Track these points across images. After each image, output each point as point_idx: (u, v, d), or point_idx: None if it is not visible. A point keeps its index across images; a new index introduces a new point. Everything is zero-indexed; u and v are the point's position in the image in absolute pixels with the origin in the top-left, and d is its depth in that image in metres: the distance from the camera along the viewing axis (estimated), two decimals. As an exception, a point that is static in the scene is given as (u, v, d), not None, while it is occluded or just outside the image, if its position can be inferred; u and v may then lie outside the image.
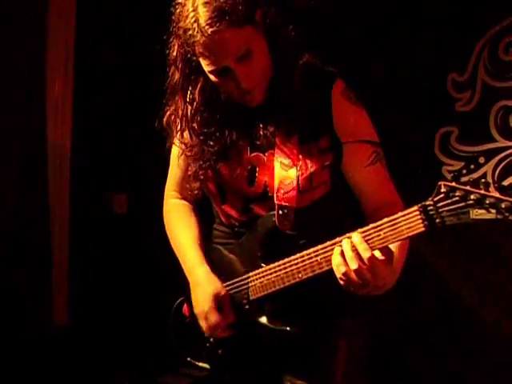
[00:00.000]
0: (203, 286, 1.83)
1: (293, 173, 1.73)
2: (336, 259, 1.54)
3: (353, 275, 1.51)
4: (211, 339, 1.87)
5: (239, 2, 1.58)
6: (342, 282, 1.55)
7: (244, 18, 1.59)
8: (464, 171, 2.81)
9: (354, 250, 1.51)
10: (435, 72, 2.85)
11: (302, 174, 1.73)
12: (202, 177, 1.83)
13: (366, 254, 1.50)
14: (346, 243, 1.53)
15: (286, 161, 1.73)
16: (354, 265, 1.50)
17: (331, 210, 1.79)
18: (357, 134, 1.75)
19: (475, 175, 2.75)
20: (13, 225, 3.04)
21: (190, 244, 1.94)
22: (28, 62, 3.05)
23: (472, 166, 2.80)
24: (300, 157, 1.73)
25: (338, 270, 1.54)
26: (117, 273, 3.38)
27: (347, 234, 1.55)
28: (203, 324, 1.82)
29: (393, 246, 1.58)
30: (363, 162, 1.75)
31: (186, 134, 1.82)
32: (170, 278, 1.95)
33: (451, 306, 2.85)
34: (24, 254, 3.07)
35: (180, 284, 1.93)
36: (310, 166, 1.73)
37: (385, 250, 1.53)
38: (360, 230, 1.53)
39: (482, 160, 2.79)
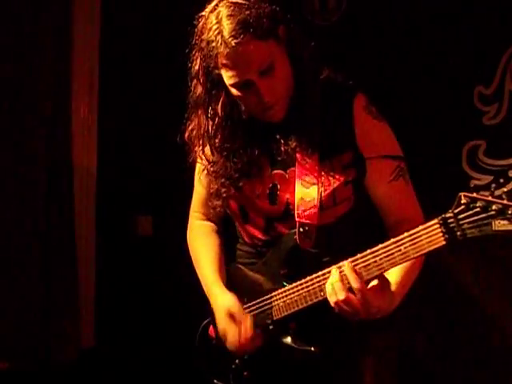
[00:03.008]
0: (218, 305, 1.83)
1: (314, 190, 1.70)
2: (328, 288, 1.56)
3: (342, 305, 1.53)
4: (237, 361, 1.83)
5: (263, 15, 1.58)
6: (335, 310, 1.57)
7: (268, 31, 1.58)
8: (493, 185, 2.74)
9: (345, 280, 1.52)
10: (461, 85, 2.81)
11: (325, 190, 1.70)
12: (224, 194, 1.81)
13: (355, 285, 1.51)
14: (333, 273, 1.55)
15: (308, 178, 1.71)
16: (341, 296, 1.52)
17: (355, 226, 1.77)
18: (380, 149, 1.72)
19: (505, 189, 2.68)
20: (39, 248, 3.06)
21: (208, 265, 1.92)
22: (53, 86, 3.10)
23: (501, 180, 2.73)
24: (322, 173, 1.71)
25: (330, 300, 1.56)
26: (143, 295, 3.37)
27: (339, 264, 1.56)
28: (227, 345, 1.80)
29: (398, 270, 1.57)
30: (386, 177, 1.72)
31: (208, 149, 1.81)
32: (196, 300, 1.94)
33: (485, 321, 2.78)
34: (50, 277, 3.09)
35: (206, 306, 1.91)
36: (332, 182, 1.70)
37: (379, 279, 1.53)
38: (357, 256, 1.53)
39: (511, 173, 2.73)
